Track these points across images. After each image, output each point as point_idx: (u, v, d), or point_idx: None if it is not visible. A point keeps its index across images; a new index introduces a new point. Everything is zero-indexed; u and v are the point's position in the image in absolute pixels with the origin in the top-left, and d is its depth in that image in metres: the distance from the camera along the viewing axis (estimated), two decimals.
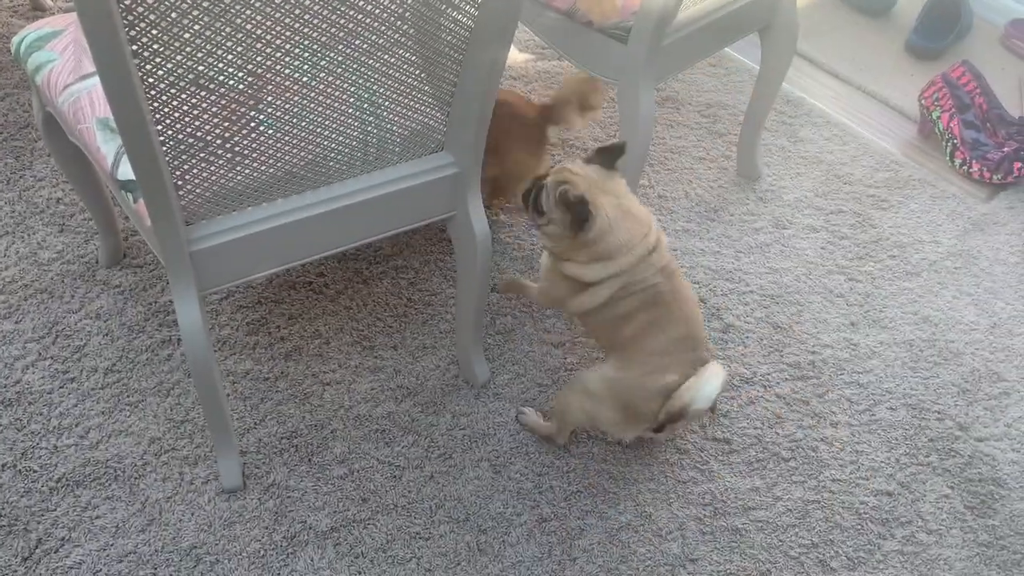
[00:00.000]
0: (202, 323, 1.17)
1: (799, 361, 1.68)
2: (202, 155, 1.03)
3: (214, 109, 0.99)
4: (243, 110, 1.01)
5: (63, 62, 1.26)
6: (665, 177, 2.01)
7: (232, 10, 0.88)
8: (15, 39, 1.33)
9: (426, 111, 1.21)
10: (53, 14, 2.24)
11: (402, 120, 1.19)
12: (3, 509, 1.35)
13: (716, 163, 2.06)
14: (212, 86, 0.96)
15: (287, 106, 1.06)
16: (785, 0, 1.75)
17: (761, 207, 1.97)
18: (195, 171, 1.05)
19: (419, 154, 1.26)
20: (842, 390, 1.64)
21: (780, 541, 1.43)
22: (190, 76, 0.93)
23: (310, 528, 1.37)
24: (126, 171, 1.15)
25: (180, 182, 1.05)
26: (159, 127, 0.96)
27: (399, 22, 1.04)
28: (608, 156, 1.41)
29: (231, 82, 0.97)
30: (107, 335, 1.59)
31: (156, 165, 0.98)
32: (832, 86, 2.35)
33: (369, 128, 1.17)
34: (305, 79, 1.04)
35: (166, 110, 0.95)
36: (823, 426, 1.59)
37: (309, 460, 1.45)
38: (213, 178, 1.07)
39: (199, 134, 1.00)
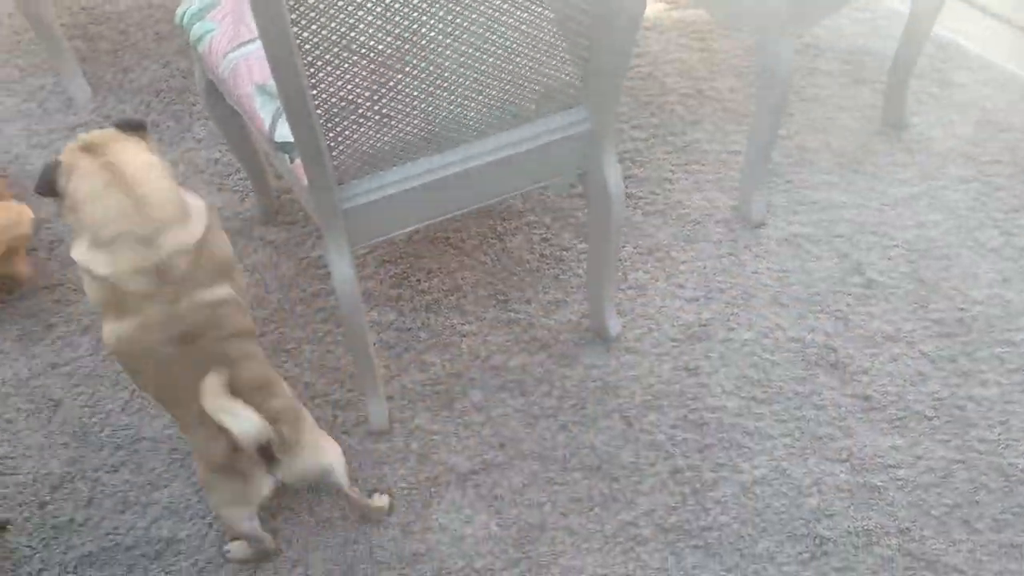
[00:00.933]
0: (353, 276, 1.24)
1: (946, 318, 1.62)
2: (352, 118, 1.09)
3: (363, 73, 1.04)
4: (389, 73, 1.06)
5: (222, 31, 1.35)
6: (805, 127, 1.95)
7: None
8: (178, 11, 1.42)
9: (562, 67, 1.22)
10: None
11: (538, 76, 1.21)
12: (178, 444, 1.48)
13: (860, 112, 1.98)
14: (362, 51, 1.01)
15: (429, 67, 1.10)
16: None
17: (908, 158, 1.89)
18: (346, 133, 1.11)
19: (554, 110, 1.28)
20: (992, 348, 1.57)
21: (921, 500, 1.40)
22: (342, 42, 0.98)
23: (452, 470, 1.44)
24: (283, 133, 1.22)
25: (333, 144, 1.11)
26: (314, 91, 1.02)
27: None
28: (128, 126, 1.21)
29: (378, 46, 1.02)
30: (263, 287, 1.70)
31: (313, 128, 1.04)
32: (990, 26, 2.20)
33: (506, 86, 1.20)
34: (445, 39, 1.08)
35: (320, 75, 1.01)
36: (970, 385, 1.53)
37: (450, 406, 1.52)
38: (363, 139, 1.13)
39: (350, 97, 1.06)
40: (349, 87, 1.05)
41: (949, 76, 2.06)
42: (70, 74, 2.04)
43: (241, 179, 1.89)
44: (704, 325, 1.62)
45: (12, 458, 1.47)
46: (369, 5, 0.96)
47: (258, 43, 1.32)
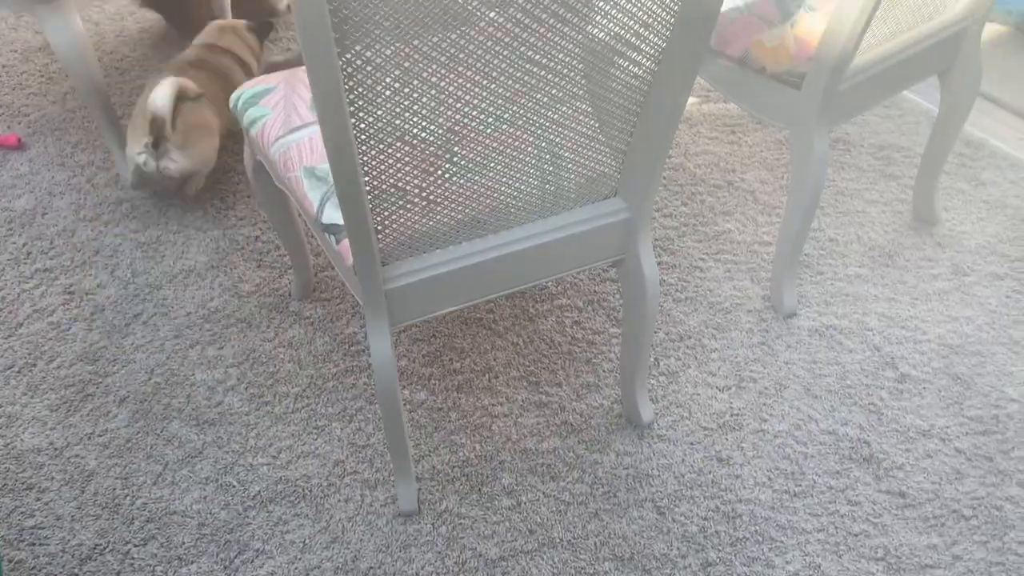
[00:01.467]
0: (392, 356, 1.25)
1: (981, 415, 1.60)
2: (400, 203, 1.12)
3: (414, 162, 1.08)
4: (438, 162, 1.09)
5: (275, 116, 1.40)
6: (836, 220, 1.97)
7: (424, 67, 0.97)
8: (233, 95, 1.48)
9: (601, 159, 1.26)
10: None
11: (578, 168, 1.25)
12: (206, 519, 1.48)
13: (890, 207, 2.01)
14: (413, 141, 1.04)
15: (474, 157, 1.13)
16: (969, 42, 1.70)
17: (939, 253, 1.90)
18: (393, 217, 1.14)
19: (593, 200, 1.31)
20: None
21: None
22: (395, 132, 1.02)
23: (480, 556, 1.43)
24: (330, 215, 1.26)
25: (380, 227, 1.14)
26: (366, 177, 1.06)
27: (573, 78, 1.09)
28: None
29: (428, 137, 1.06)
30: (297, 363, 1.72)
31: (362, 211, 1.07)
32: (1018, 127, 2.24)
33: (547, 176, 1.23)
34: (490, 131, 1.12)
35: (373, 162, 1.05)
36: (1008, 485, 1.50)
37: (479, 490, 1.51)
38: (408, 223, 1.16)
39: (399, 184, 1.10)
40: (399, 174, 1.08)
41: (978, 174, 2.08)
42: (120, 152, 2.11)
43: (280, 256, 1.94)
44: (736, 415, 1.61)
45: (43, 528, 1.47)
46: (423, 100, 1.01)
47: (309, 129, 1.37)
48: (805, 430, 1.59)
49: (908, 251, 1.91)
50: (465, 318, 1.80)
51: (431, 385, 1.68)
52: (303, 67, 1.51)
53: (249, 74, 2.25)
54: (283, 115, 1.40)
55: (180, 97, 1.94)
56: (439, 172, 1.11)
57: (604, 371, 1.69)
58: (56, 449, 1.58)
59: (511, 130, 1.14)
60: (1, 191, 2.12)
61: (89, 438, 1.60)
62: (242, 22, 2.31)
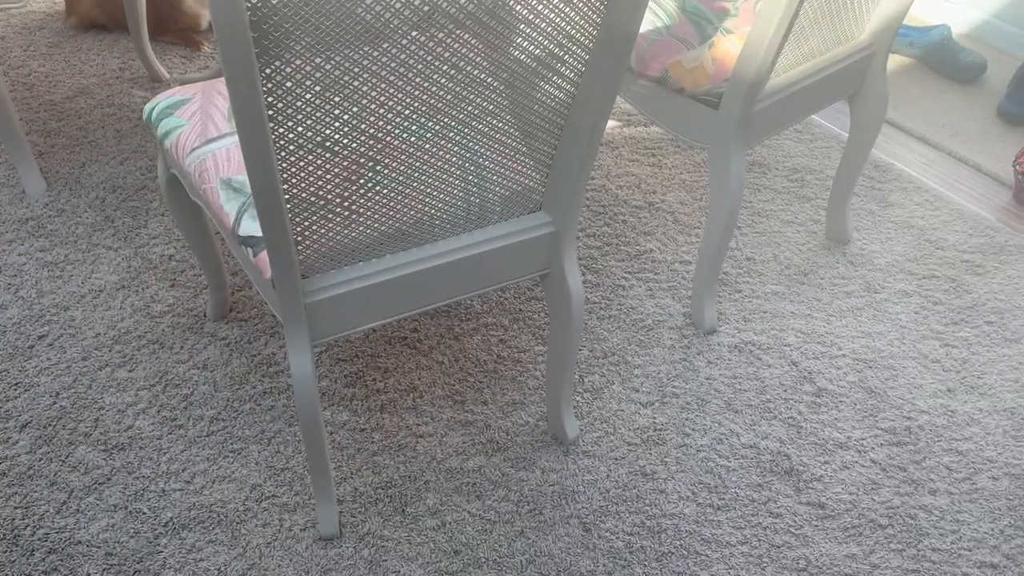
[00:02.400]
0: (312, 373, 1.22)
1: (895, 427, 1.65)
2: (321, 213, 1.10)
3: (334, 171, 1.06)
4: (360, 171, 1.08)
5: (191, 127, 1.36)
6: (753, 240, 2.02)
7: (347, 82, 0.95)
8: (147, 106, 1.44)
9: (526, 173, 1.26)
10: (169, 85, 2.40)
11: (503, 181, 1.25)
12: (114, 549, 1.41)
13: (804, 227, 2.07)
14: (335, 149, 1.02)
15: (397, 167, 1.12)
16: (875, 68, 1.78)
17: (852, 271, 1.96)
18: (313, 227, 1.11)
19: (518, 213, 1.31)
20: (940, 457, 1.60)
21: None
22: (316, 138, 1.00)
23: None
24: (247, 227, 1.23)
25: (300, 238, 1.11)
26: (285, 186, 1.03)
27: (495, 94, 1.09)
28: None
29: (350, 145, 1.04)
30: (213, 385, 1.66)
31: (281, 221, 1.05)
32: (922, 152, 2.34)
33: (472, 189, 1.22)
34: (413, 141, 1.11)
35: (292, 170, 1.02)
36: (921, 494, 1.55)
37: (403, 511, 1.48)
38: (329, 235, 1.14)
39: (320, 194, 1.07)
40: (319, 183, 1.06)
41: (886, 196, 2.17)
42: (25, 167, 2.03)
43: (194, 275, 1.88)
44: (660, 430, 1.62)
45: None
46: (344, 112, 0.99)
47: (226, 140, 1.34)
48: (727, 444, 1.61)
49: (822, 269, 1.96)
50: (389, 337, 1.77)
51: (353, 406, 1.64)
52: (221, 79, 1.48)
53: None
54: (200, 126, 1.36)
55: None
56: (360, 182, 1.09)
57: (530, 388, 1.68)
58: None
59: (435, 141, 1.14)
60: None
61: None
62: None
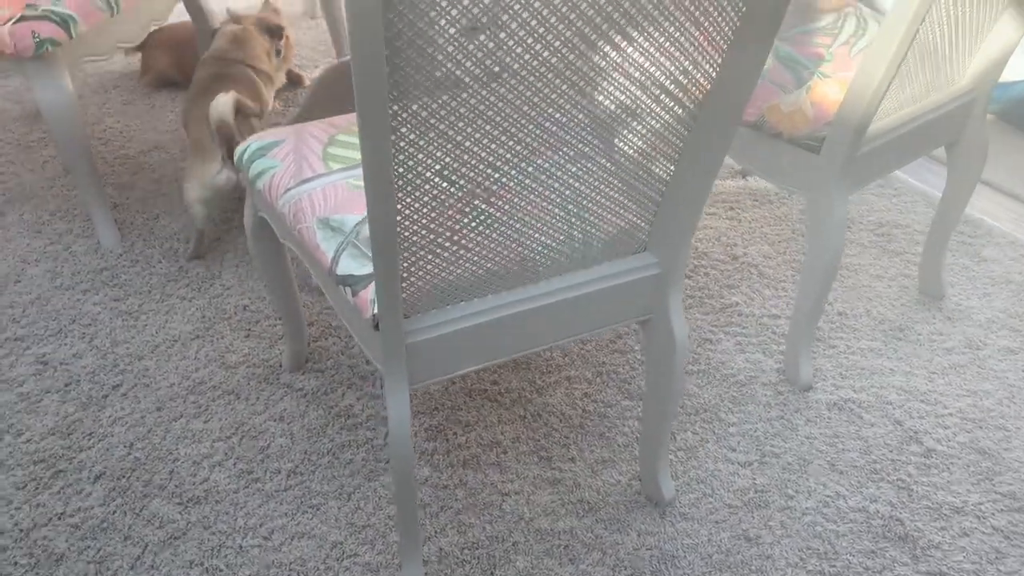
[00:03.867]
0: (409, 418, 1.16)
1: (1014, 491, 1.53)
2: (430, 248, 1.05)
3: (449, 202, 1.01)
4: (474, 202, 1.03)
5: (284, 168, 1.34)
6: (844, 294, 1.94)
7: (474, 117, 0.92)
8: (238, 148, 1.42)
9: (631, 213, 1.20)
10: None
11: (607, 220, 1.19)
12: None
13: (895, 281, 1.98)
14: (450, 189, 0.98)
15: (510, 202, 1.07)
16: (975, 115, 1.71)
17: (950, 327, 1.87)
18: (420, 264, 1.07)
19: (622, 254, 1.25)
20: None
21: None
22: (435, 167, 0.95)
23: None
24: (346, 266, 1.18)
25: (406, 274, 1.06)
26: (399, 218, 0.99)
27: (609, 135, 1.05)
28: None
29: (470, 174, 1.00)
30: (290, 437, 1.60)
31: (394, 256, 1.00)
32: (1012, 208, 2.25)
33: (575, 226, 1.17)
34: (523, 178, 1.06)
35: (408, 200, 0.98)
36: None
37: (491, 574, 1.39)
38: (435, 271, 1.09)
39: (432, 227, 1.03)
40: (436, 217, 1.02)
41: (979, 251, 2.08)
42: (101, 218, 2.02)
43: (269, 326, 1.84)
44: (761, 491, 1.52)
45: None
46: (457, 150, 0.95)
47: (321, 180, 1.30)
48: (834, 507, 1.50)
49: (919, 325, 1.87)
50: (469, 389, 1.70)
51: (435, 460, 1.57)
52: (314, 122, 1.46)
53: (269, 82, 2.21)
54: (294, 167, 1.33)
55: (238, 111, 1.85)
56: (472, 215, 1.04)
57: (619, 445, 1.60)
58: (22, 531, 1.43)
59: (542, 178, 1.09)
60: None
61: (59, 518, 1.45)
62: (252, 22, 2.25)
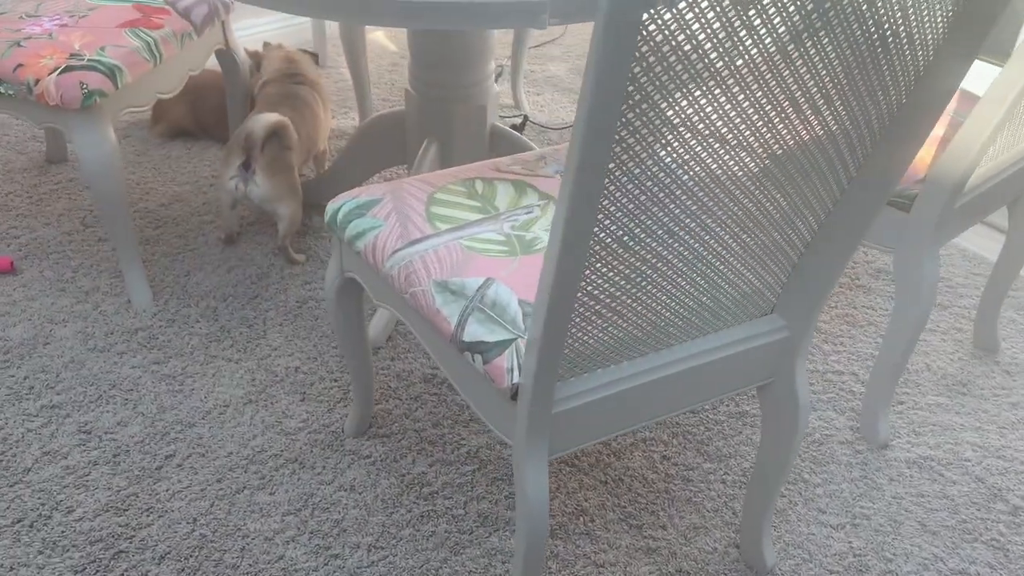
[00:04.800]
0: (547, 495, 1.09)
1: None
2: (588, 313, 1.00)
3: (620, 268, 0.96)
4: (642, 268, 0.98)
5: (389, 228, 1.27)
6: None
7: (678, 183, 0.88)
8: (329, 207, 1.35)
9: (767, 273, 1.17)
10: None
11: (738, 283, 1.16)
12: None
13: (948, 335, 1.99)
14: (632, 243, 0.94)
15: (667, 269, 1.03)
16: None
17: (1011, 381, 1.87)
18: (574, 330, 1.01)
19: (749, 317, 1.22)
20: None
21: None
22: (617, 234, 0.91)
23: None
24: (473, 332, 1.12)
25: (569, 339, 1.01)
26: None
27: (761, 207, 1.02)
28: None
29: (648, 241, 0.95)
30: (364, 508, 1.52)
31: (565, 324, 0.95)
32: None
33: (703, 289, 1.13)
34: (689, 241, 1.02)
35: (597, 268, 0.93)
36: None
37: None
38: (585, 338, 1.04)
39: (596, 292, 0.98)
40: (608, 281, 0.97)
41: None
42: (134, 275, 1.92)
43: (325, 388, 1.75)
44: (859, 555, 1.49)
45: None
46: (665, 203, 0.91)
47: (431, 241, 1.25)
48: (934, 570, 1.47)
49: (980, 379, 1.87)
50: None
51: None
52: (406, 179, 1.40)
53: (326, 103, 2.31)
54: (399, 227, 1.27)
55: (275, 133, 1.94)
56: (636, 280, 1.00)
57: (708, 511, 1.55)
58: None
59: (689, 240, 1.05)
60: None
61: None
62: (295, 51, 2.38)
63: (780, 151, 0.96)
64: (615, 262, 0.95)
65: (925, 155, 1.52)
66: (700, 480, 1.61)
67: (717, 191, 0.96)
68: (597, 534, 1.50)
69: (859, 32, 0.84)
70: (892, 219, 1.53)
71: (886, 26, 0.84)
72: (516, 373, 1.07)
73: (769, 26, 0.79)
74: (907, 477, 1.64)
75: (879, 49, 0.88)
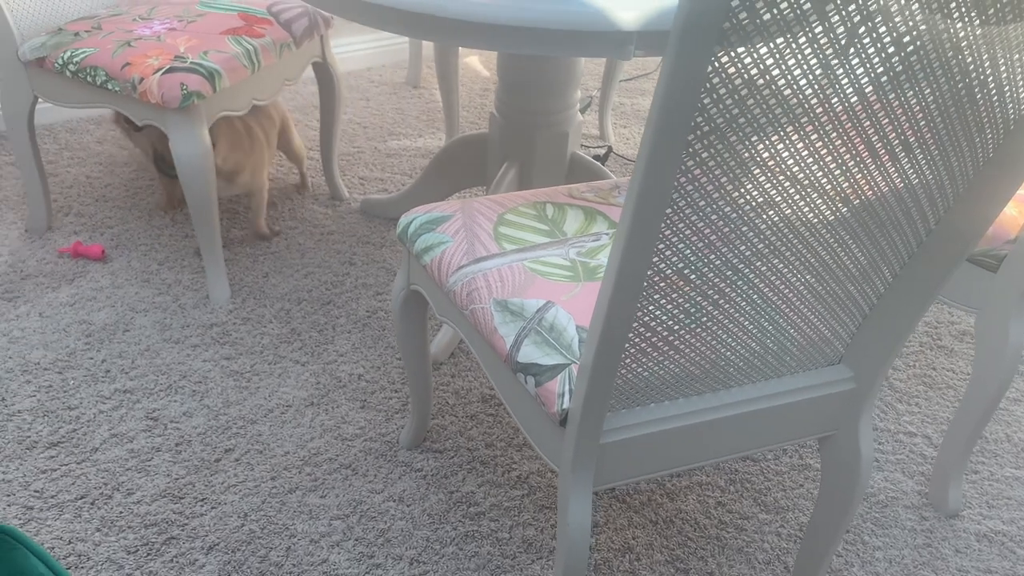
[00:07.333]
0: (589, 526, 1.08)
1: None
2: (644, 345, 0.99)
3: (677, 299, 0.95)
4: (702, 301, 0.97)
5: (456, 244, 1.29)
6: None
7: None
8: (402, 219, 1.38)
9: (836, 322, 1.14)
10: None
11: (805, 330, 1.13)
12: None
13: (1020, 404, 1.89)
14: (692, 276, 0.92)
15: (728, 305, 1.01)
16: None
17: None
18: (628, 361, 1.00)
19: (815, 365, 1.18)
20: None
21: None
22: (677, 264, 0.90)
23: None
24: (528, 354, 1.12)
25: (622, 369, 1.00)
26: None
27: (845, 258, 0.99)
28: None
29: (708, 274, 0.94)
30: (411, 521, 1.52)
31: (619, 352, 0.94)
32: None
33: (768, 337, 1.10)
34: (751, 278, 1.00)
35: (650, 294, 0.92)
36: None
37: None
38: (639, 371, 1.02)
39: (652, 324, 0.96)
40: (662, 310, 0.96)
41: None
42: (215, 271, 1.98)
43: (385, 398, 1.77)
44: None
45: None
46: (730, 233, 0.89)
47: (495, 260, 1.25)
48: None
49: None
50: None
51: None
52: (478, 198, 1.42)
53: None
54: (466, 244, 1.29)
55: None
56: (692, 313, 0.98)
57: (759, 563, 1.50)
58: None
59: (755, 280, 1.03)
60: (80, 302, 1.97)
61: None
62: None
63: (857, 201, 0.94)
64: (674, 294, 0.93)
65: (1019, 215, 1.45)
66: (754, 530, 1.56)
67: (789, 235, 0.94)
68: (641, 573, 1.47)
69: (944, 81, 0.82)
70: (979, 279, 1.46)
71: (973, 75, 0.81)
72: (567, 398, 1.06)
73: (848, 70, 0.78)
74: (975, 550, 1.56)
75: (965, 100, 0.85)
